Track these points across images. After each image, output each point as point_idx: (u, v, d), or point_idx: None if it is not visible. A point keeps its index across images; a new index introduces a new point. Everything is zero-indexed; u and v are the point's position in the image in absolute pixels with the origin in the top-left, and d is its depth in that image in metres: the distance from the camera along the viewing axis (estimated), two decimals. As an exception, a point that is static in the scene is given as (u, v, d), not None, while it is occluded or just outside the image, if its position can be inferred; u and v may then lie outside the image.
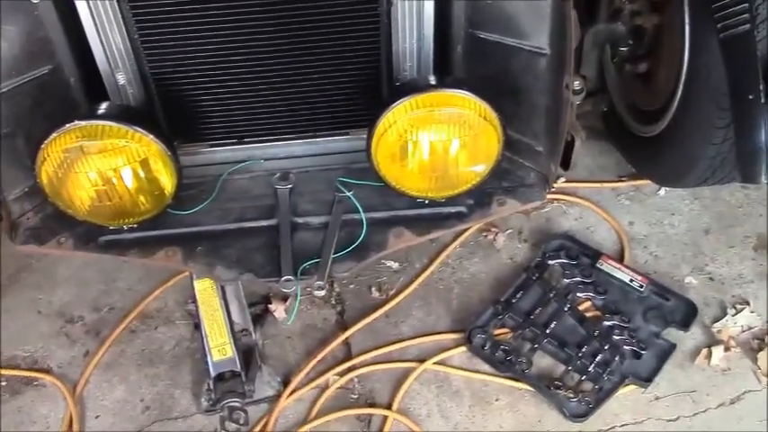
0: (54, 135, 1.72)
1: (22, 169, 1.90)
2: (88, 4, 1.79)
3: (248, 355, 2.24)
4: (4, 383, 2.38)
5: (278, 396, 2.26)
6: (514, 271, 2.55)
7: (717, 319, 2.38)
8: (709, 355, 2.28)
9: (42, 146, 1.73)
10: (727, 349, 2.30)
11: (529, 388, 2.25)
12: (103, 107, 1.84)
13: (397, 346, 2.38)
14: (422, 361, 2.33)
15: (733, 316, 2.38)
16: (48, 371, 2.40)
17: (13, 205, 1.96)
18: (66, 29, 1.85)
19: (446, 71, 2.00)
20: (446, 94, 1.77)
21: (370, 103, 2.00)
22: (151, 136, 1.77)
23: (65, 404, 2.30)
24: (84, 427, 2.26)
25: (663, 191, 2.76)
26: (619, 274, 2.45)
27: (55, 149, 1.74)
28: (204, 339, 2.16)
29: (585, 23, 2.23)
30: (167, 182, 1.86)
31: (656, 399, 2.23)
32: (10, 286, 2.65)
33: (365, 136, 1.85)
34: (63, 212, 1.88)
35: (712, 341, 2.33)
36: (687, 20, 2.13)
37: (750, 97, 1.87)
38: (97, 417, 2.29)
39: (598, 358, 2.25)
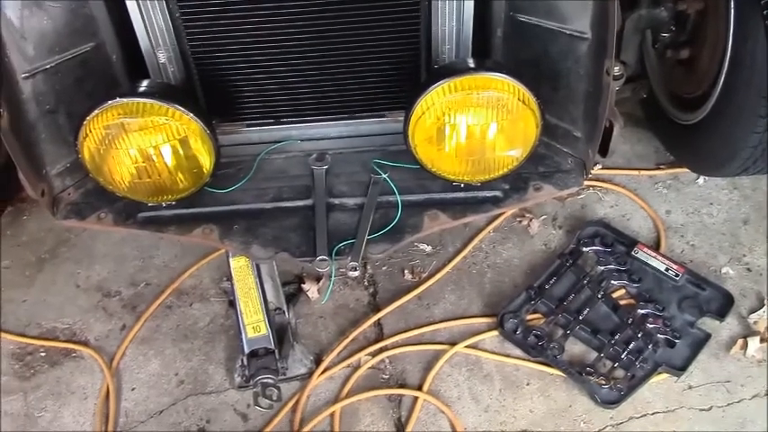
0: (96, 112, 1.75)
1: (64, 145, 1.94)
2: (131, -17, 1.82)
3: (281, 333, 2.27)
4: (43, 354, 2.43)
5: (310, 374, 2.29)
6: (548, 257, 2.54)
7: (753, 310, 2.36)
8: (745, 346, 2.26)
9: (84, 122, 1.76)
10: (763, 340, 2.27)
11: (560, 374, 2.24)
12: (144, 85, 1.87)
13: (428, 328, 2.40)
14: (453, 344, 2.34)
15: (770, 307, 2.36)
16: (85, 343, 2.45)
17: (55, 180, 2.00)
18: (109, 7, 1.89)
19: (485, 54, 1.99)
20: (485, 78, 1.76)
21: (407, 86, 2.00)
22: (191, 114, 1.79)
23: (102, 376, 2.35)
24: (120, 399, 2.31)
25: (701, 180, 2.73)
26: (654, 263, 2.43)
27: (96, 126, 1.76)
28: (239, 316, 2.18)
29: (627, 8, 2.21)
30: (206, 160, 1.88)
31: (690, 388, 2.21)
32: (50, 260, 2.70)
33: (402, 118, 1.85)
34: (103, 188, 1.91)
35: (748, 332, 2.31)
36: (732, 5, 2.10)
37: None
38: (133, 389, 2.33)
39: (631, 346, 2.24)
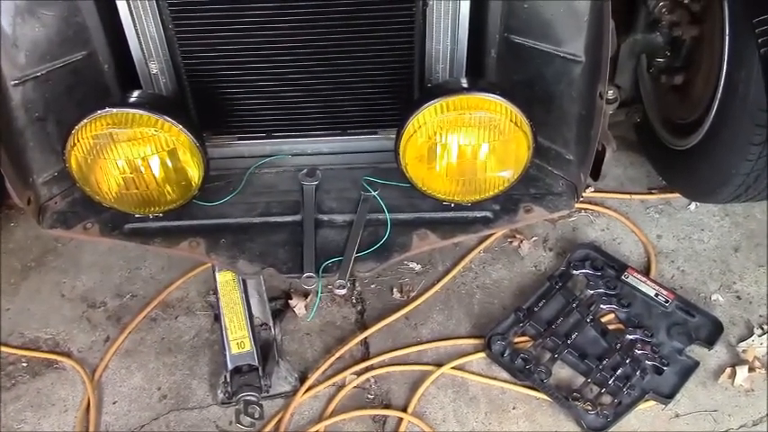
0: (85, 121, 1.73)
1: (52, 153, 1.93)
2: (126, -7, 1.81)
3: (266, 350, 2.24)
4: (24, 364, 2.40)
5: (294, 392, 2.26)
6: (538, 279, 2.53)
7: (742, 339, 2.34)
8: (733, 375, 2.25)
9: (73, 131, 1.74)
10: (751, 369, 2.26)
11: (547, 398, 2.22)
12: (135, 95, 1.85)
13: (415, 348, 2.37)
14: (440, 365, 2.32)
15: (759, 336, 2.34)
16: (68, 354, 2.42)
17: (42, 189, 1.98)
18: (102, 16, 1.87)
19: (479, 75, 1.98)
20: (477, 98, 1.75)
21: (400, 104, 2.00)
22: (180, 126, 1.78)
23: (83, 388, 2.32)
24: (101, 412, 2.27)
25: (693, 205, 2.73)
26: (644, 288, 2.42)
27: (85, 135, 1.75)
28: (223, 332, 2.16)
29: (623, 33, 2.21)
30: (194, 173, 1.87)
31: (677, 416, 2.19)
32: (36, 269, 2.67)
33: (394, 136, 1.84)
34: (90, 198, 1.89)
35: (737, 361, 2.29)
36: (727, 33, 2.10)
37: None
38: (114, 402, 2.30)
39: (619, 372, 2.22)
